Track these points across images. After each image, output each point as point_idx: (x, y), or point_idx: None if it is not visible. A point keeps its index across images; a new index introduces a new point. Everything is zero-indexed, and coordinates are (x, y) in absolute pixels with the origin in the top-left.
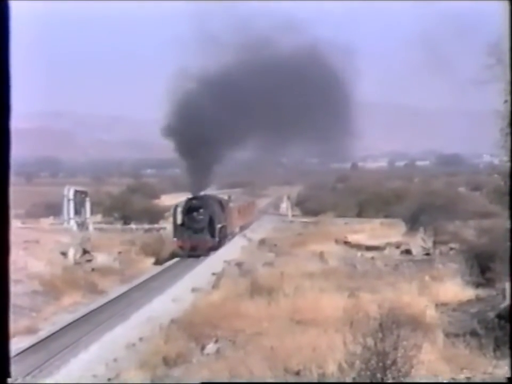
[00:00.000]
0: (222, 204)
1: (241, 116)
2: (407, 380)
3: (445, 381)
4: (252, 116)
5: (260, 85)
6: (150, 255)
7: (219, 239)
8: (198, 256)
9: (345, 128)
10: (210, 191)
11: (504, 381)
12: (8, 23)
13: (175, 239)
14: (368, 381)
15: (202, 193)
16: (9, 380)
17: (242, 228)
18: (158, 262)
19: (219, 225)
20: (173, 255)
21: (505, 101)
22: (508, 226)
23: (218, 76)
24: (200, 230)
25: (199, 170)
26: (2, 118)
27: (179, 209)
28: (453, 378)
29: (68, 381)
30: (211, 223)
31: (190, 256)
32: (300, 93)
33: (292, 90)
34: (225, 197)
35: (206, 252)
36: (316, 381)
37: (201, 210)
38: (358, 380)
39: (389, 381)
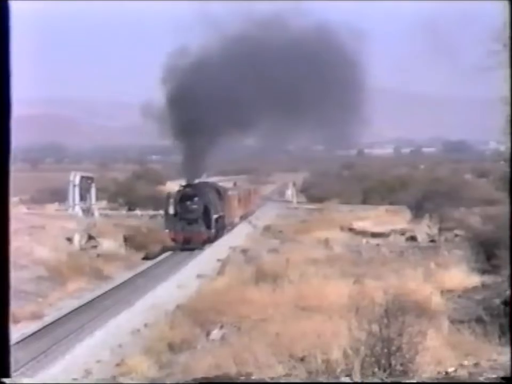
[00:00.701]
0: (219, 192)
1: (242, 99)
2: (413, 369)
3: (438, 381)
4: (255, 100)
5: (264, 68)
6: (155, 242)
7: (215, 230)
8: (192, 250)
9: (353, 114)
10: (213, 178)
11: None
12: (8, 22)
13: (167, 230)
14: (373, 367)
15: (198, 180)
16: (7, 380)
17: (243, 218)
18: (163, 250)
19: (215, 216)
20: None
21: None
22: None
23: (219, 56)
24: (194, 220)
25: (193, 154)
26: (3, 108)
27: (171, 198)
28: (459, 365)
29: (72, 367)
30: (206, 213)
31: (183, 249)
32: (307, 77)
33: (299, 74)
34: (227, 184)
35: (200, 245)
36: (321, 367)
37: (195, 199)
38: (364, 366)
39: (388, 381)
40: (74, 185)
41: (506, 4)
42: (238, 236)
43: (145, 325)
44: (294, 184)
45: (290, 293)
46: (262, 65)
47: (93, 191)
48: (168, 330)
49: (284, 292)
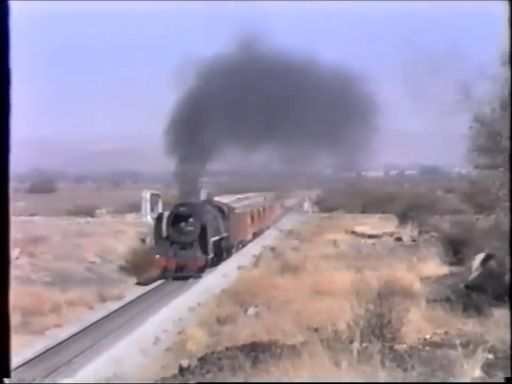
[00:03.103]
0: (222, 211)
1: (251, 122)
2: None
3: (439, 381)
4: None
5: (286, 105)
6: None
7: (214, 254)
8: (186, 279)
9: (361, 147)
10: (246, 194)
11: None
12: (8, 23)
13: (157, 256)
14: (369, 335)
15: (202, 198)
16: (7, 380)
17: (256, 233)
18: None
19: (215, 238)
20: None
21: (470, 127)
22: (473, 220)
23: (230, 75)
24: (188, 244)
25: (190, 168)
26: (3, 120)
27: (164, 219)
28: (434, 333)
29: (145, 336)
30: (203, 235)
31: (176, 278)
32: (325, 115)
33: (319, 112)
34: (258, 199)
35: (196, 273)
36: (331, 336)
37: (190, 220)
38: (362, 335)
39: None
40: (146, 200)
41: (506, 3)
42: (268, 238)
43: (199, 304)
44: (310, 199)
45: (307, 281)
46: (283, 102)
47: (160, 204)
48: (215, 308)
49: (303, 279)
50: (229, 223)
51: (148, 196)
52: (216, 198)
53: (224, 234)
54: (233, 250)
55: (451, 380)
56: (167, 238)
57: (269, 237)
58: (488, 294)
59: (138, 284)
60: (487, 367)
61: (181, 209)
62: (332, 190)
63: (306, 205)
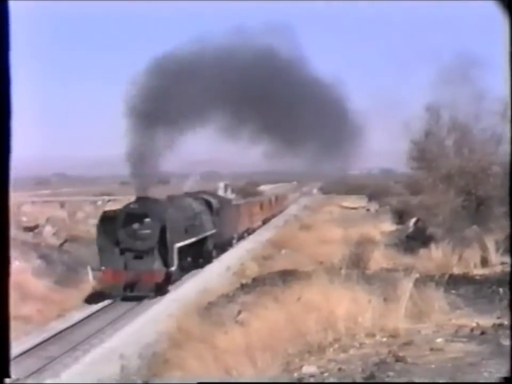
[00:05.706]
0: (209, 205)
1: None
2: None
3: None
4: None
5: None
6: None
7: (184, 266)
8: (139, 300)
9: (347, 156)
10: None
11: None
12: (8, 23)
13: (102, 268)
14: (351, 266)
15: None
16: (8, 380)
17: (266, 220)
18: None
19: (189, 241)
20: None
21: (409, 146)
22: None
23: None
24: (145, 252)
25: (150, 153)
26: (3, 118)
27: (113, 219)
28: (388, 264)
29: (221, 265)
30: (163, 240)
31: (124, 299)
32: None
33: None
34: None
35: (152, 292)
36: (330, 266)
37: (146, 220)
38: (348, 266)
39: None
40: (220, 188)
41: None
42: (291, 210)
43: (252, 248)
44: (317, 187)
45: (315, 234)
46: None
47: (229, 190)
48: (262, 250)
49: (313, 234)
50: (219, 217)
51: (222, 185)
52: (261, 187)
53: (211, 232)
54: (234, 241)
55: (458, 380)
56: (117, 243)
57: (292, 210)
58: (418, 241)
59: None
60: (416, 281)
61: (133, 206)
62: (329, 182)
63: (315, 190)
